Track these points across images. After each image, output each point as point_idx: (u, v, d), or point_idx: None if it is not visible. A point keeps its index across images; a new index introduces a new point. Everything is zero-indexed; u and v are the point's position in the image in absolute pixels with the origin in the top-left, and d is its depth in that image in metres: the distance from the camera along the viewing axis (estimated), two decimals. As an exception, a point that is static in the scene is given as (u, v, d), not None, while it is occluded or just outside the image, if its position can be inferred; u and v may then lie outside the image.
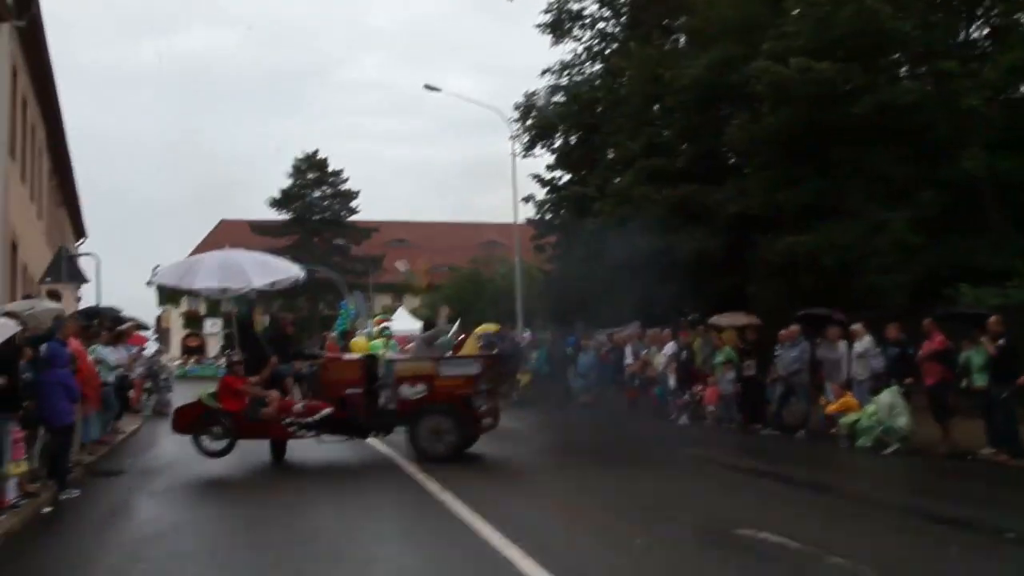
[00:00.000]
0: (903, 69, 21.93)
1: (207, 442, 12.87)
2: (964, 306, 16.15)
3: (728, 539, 7.87)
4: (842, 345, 16.15)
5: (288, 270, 14.40)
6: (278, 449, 13.79)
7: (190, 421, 13.07)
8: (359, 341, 24.45)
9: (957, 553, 7.39)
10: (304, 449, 13.67)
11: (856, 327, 16.05)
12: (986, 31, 21.35)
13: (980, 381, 13.51)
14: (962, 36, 21.38)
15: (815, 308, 17.70)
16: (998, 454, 12.99)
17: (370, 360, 14.52)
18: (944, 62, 19.13)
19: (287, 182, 66.48)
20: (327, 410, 12.81)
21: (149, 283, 13.79)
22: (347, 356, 16.15)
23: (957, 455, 13.37)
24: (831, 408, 15.48)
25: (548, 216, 33.83)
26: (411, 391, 13.10)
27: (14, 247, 20.17)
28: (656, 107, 27.71)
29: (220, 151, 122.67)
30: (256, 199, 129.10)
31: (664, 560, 7.14)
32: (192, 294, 14.75)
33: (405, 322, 37.87)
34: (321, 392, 13.50)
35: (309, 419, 12.81)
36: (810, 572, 6.77)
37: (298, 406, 12.98)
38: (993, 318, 13.60)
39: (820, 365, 16.69)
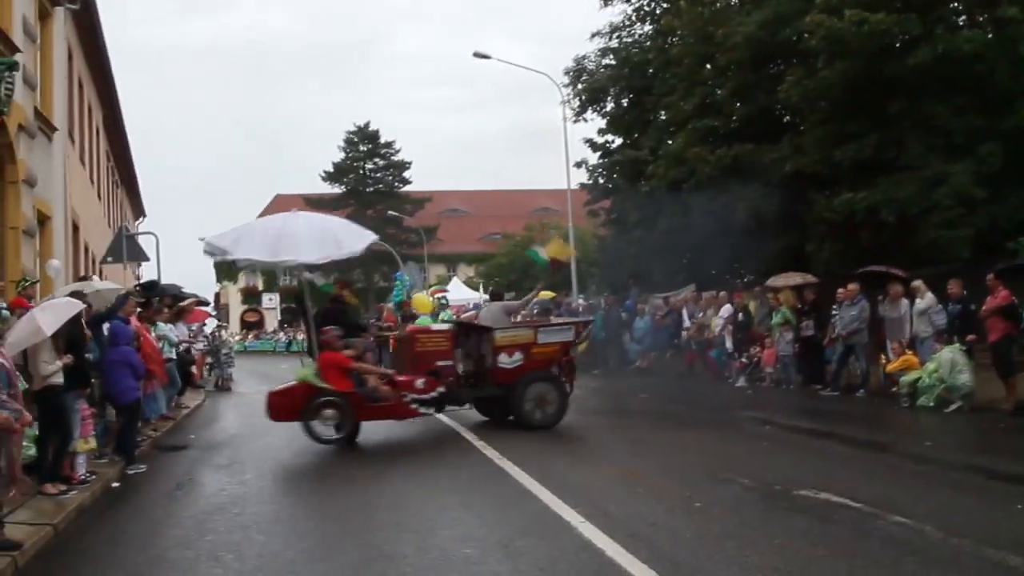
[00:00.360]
0: (962, 18, 21.42)
1: (320, 427, 11.87)
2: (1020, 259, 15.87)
3: (789, 500, 7.88)
4: (904, 303, 15.91)
5: (352, 244, 13.00)
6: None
7: (297, 406, 11.90)
8: (420, 298, 24.64)
9: (1021, 511, 7.32)
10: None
11: (918, 283, 15.81)
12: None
13: (1049, 333, 13.32)
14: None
15: (874, 266, 17.47)
16: (1066, 409, 12.81)
17: (459, 329, 14.42)
18: (1005, 8, 18.66)
19: (340, 155, 66.94)
20: (441, 387, 12.57)
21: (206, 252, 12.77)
22: (434, 325, 16.20)
23: (1022, 411, 13.17)
24: (892, 367, 15.31)
25: (601, 181, 33.65)
26: (509, 360, 13.10)
27: (75, 228, 20.60)
28: (708, 67, 27.32)
29: (273, 126, 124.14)
30: (310, 173, 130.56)
31: (725, 522, 7.15)
32: (244, 263, 13.79)
33: (461, 292, 38.12)
34: (408, 365, 13.30)
35: (430, 395, 12.42)
36: (873, 531, 6.75)
37: (419, 382, 12.41)
38: (1053, 269, 13.36)
39: (881, 324, 16.51)
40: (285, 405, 12.06)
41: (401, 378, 12.49)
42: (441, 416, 13.70)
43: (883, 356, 16.01)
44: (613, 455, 10.92)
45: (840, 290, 17.07)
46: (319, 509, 8.61)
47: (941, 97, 19.47)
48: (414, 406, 12.30)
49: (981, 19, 20.58)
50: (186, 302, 18.94)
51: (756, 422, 13.32)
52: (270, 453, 12.23)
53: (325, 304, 14.65)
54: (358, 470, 10.74)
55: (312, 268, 13.64)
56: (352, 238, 13.23)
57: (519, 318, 15.84)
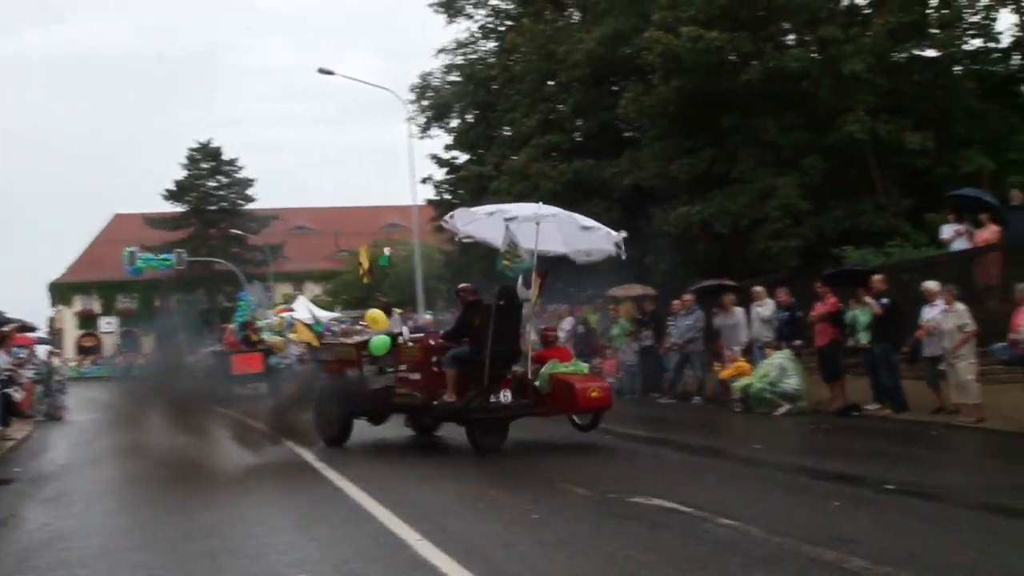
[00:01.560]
0: (790, 37, 22.46)
1: None
2: (851, 265, 16.69)
3: (623, 507, 8.02)
4: (738, 311, 16.52)
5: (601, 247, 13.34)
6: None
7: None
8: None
9: (838, 508, 7.66)
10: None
11: (758, 290, 16.43)
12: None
13: (865, 339, 14.00)
14: (846, 1, 21.97)
15: (706, 281, 18.10)
16: (882, 409, 13.51)
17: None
18: (827, 28, 19.63)
19: (182, 173, 65.20)
20: None
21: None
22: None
23: (845, 413, 13.82)
24: (725, 374, 15.85)
25: (447, 197, 33.81)
26: None
27: None
28: (551, 83, 27.87)
29: (111, 144, 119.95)
30: (151, 192, 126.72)
31: (559, 532, 7.23)
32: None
33: (306, 311, 37.54)
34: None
35: None
36: (701, 535, 6.93)
37: None
38: (877, 277, 14.10)
39: (718, 333, 17.07)
40: None
41: None
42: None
43: (717, 363, 16.55)
44: (453, 471, 10.91)
45: (674, 301, 17.58)
46: (149, 539, 8.27)
47: (771, 113, 20.35)
48: None
49: (807, 38, 21.62)
50: (7, 328, 18.01)
51: (596, 431, 13.53)
52: (101, 484, 11.75)
53: None
54: (193, 496, 10.38)
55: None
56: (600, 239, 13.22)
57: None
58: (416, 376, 12.19)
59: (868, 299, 13.85)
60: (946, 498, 7.92)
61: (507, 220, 12.30)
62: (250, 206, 66.18)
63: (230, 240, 61.48)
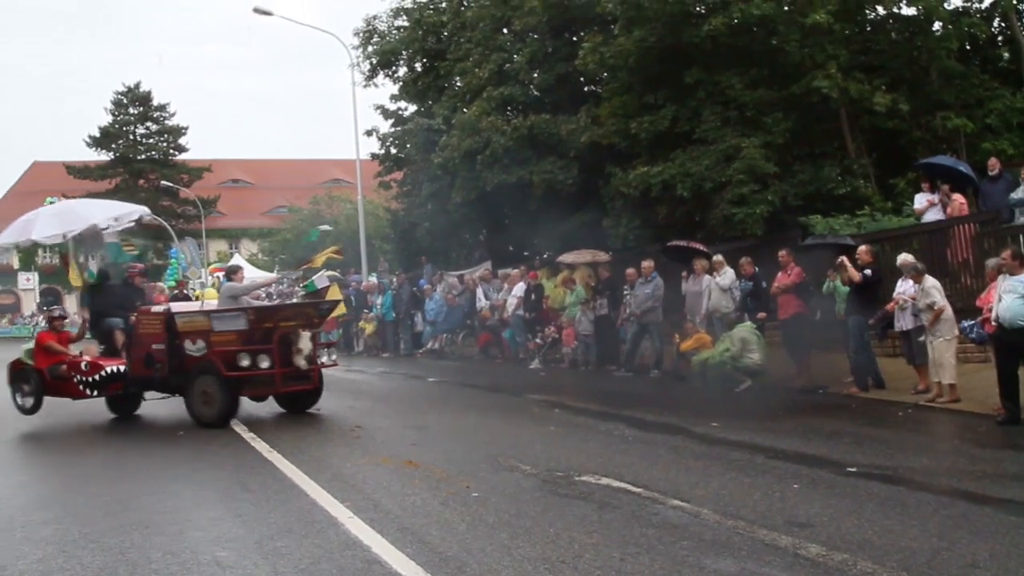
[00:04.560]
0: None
1: (19, 399, 13.71)
2: (826, 236, 16.75)
3: (570, 486, 8.03)
4: (706, 279, 16.51)
5: (131, 208, 14.90)
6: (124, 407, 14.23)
7: (11, 375, 13.91)
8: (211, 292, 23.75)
9: (796, 490, 7.71)
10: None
11: (718, 259, 16.47)
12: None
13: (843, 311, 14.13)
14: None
15: (676, 240, 18.08)
16: (850, 386, 13.63)
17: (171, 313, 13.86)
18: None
19: (107, 119, 64.04)
20: (111, 367, 13.27)
21: None
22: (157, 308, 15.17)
23: (811, 390, 13.95)
24: (684, 346, 15.91)
25: (393, 151, 33.50)
26: (194, 348, 12.86)
27: None
28: (506, 32, 27.60)
29: (30, 87, 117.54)
30: (73, 138, 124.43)
31: (501, 511, 7.21)
32: (37, 245, 15.64)
33: (245, 271, 37.18)
34: (134, 347, 13.52)
35: (92, 377, 13.19)
36: (650, 517, 6.94)
37: (83, 364, 13.33)
38: (863, 247, 14.15)
39: (682, 301, 17.06)
40: (9, 372, 13.95)
41: (72, 359, 13.44)
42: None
43: (676, 335, 16.59)
44: (393, 444, 10.86)
45: (629, 269, 17.56)
46: (59, 512, 8.16)
47: (735, 68, 20.29)
48: (81, 387, 13.22)
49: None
50: None
51: (546, 405, 13.58)
52: (11, 448, 11.63)
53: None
54: (111, 465, 10.32)
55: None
56: (127, 206, 15.05)
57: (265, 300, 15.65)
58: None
59: (848, 265, 13.78)
60: (909, 482, 8.00)
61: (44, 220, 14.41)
62: (182, 156, 65.24)
63: (160, 192, 60.55)
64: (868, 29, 21.92)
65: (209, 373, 12.53)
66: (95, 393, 13.42)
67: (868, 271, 13.67)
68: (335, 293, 14.19)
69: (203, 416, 12.50)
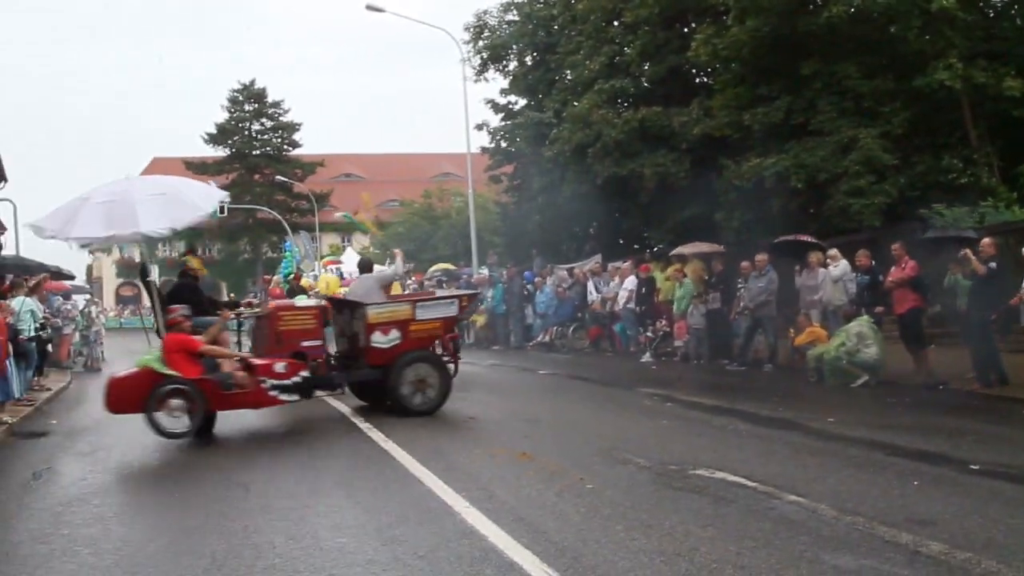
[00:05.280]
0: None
1: (165, 420, 10.92)
2: (947, 229, 16.38)
3: (684, 480, 8.03)
4: (821, 272, 16.28)
5: (196, 205, 12.07)
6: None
7: (139, 396, 10.95)
8: (330, 278, 24.20)
9: (916, 487, 7.59)
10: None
11: (833, 252, 16.24)
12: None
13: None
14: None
15: (785, 236, 17.87)
16: (972, 382, 13.30)
17: (325, 307, 13.79)
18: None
19: (224, 116, 65.69)
20: (304, 371, 11.73)
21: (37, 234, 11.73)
22: (299, 302, 15.08)
23: (931, 386, 13.65)
24: (799, 340, 15.71)
25: (503, 144, 33.73)
26: (385, 339, 12.40)
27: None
28: (616, 24, 27.56)
29: (151, 87, 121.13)
30: (191, 135, 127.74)
31: (616, 504, 7.25)
32: (78, 242, 12.73)
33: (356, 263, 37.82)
34: (271, 345, 12.62)
35: (291, 379, 11.54)
36: (767, 512, 6.91)
37: (279, 366, 11.53)
38: (987, 239, 13.79)
39: (798, 295, 16.85)
40: (125, 395, 11.12)
41: (259, 362, 11.69)
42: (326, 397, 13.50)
43: (791, 329, 16.39)
44: (506, 436, 10.96)
45: (744, 262, 17.41)
46: (185, 497, 8.47)
47: (854, 59, 19.93)
48: (274, 393, 11.45)
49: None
50: (38, 277, 17.96)
51: (658, 399, 13.55)
52: (138, 439, 11.96)
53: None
54: (231, 455, 10.63)
55: (153, 239, 12.46)
56: (198, 197, 12.38)
57: (407, 290, 15.67)
58: None
59: (972, 257, 13.47)
60: (1035, 481, 7.82)
61: (94, 212, 11.56)
62: (295, 152, 66.56)
63: (274, 187, 61.94)
64: (991, 15, 21.29)
65: (425, 361, 12.56)
66: (293, 398, 11.64)
67: (993, 264, 13.30)
68: (396, 289, 13.73)
69: (418, 406, 12.28)
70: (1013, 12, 21.03)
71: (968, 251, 13.55)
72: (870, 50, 20.11)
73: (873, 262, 15.40)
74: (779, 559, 5.77)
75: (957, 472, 8.19)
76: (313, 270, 34.87)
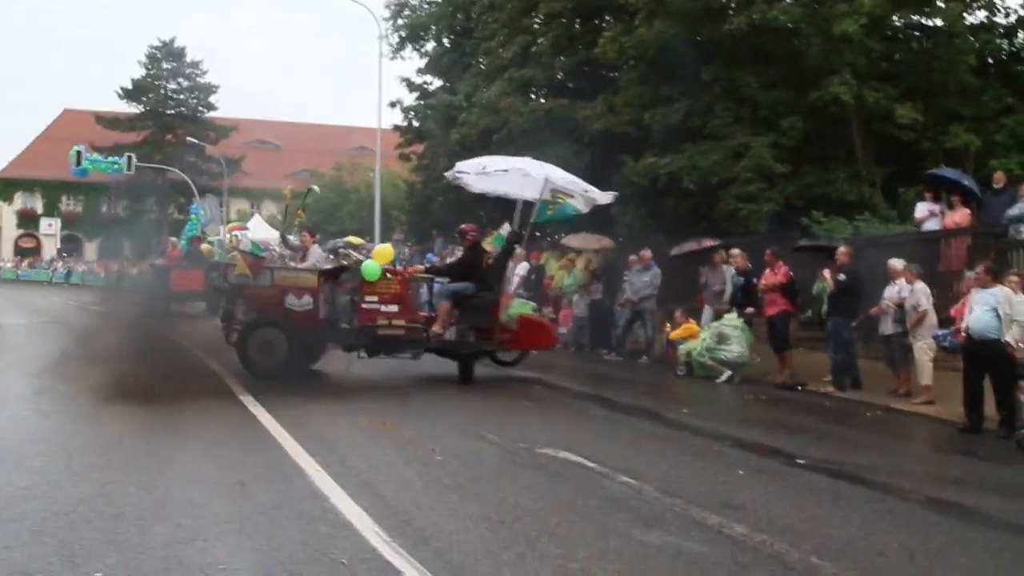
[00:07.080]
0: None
1: None
2: (820, 238, 17.12)
3: (528, 457, 8.47)
4: (726, 270, 16.86)
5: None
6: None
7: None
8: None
9: (740, 476, 8.14)
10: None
11: (735, 252, 16.87)
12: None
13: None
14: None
15: (686, 245, 18.56)
16: (827, 385, 14.04)
17: None
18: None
19: (140, 72, 64.61)
20: None
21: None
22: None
23: (789, 386, 14.33)
24: (674, 334, 16.31)
25: (416, 124, 33.91)
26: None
27: None
28: (533, 14, 27.91)
29: (63, 39, 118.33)
30: (105, 90, 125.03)
31: (457, 474, 7.66)
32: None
33: (262, 231, 37.67)
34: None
35: None
36: (596, 490, 7.38)
37: None
38: (842, 248, 14.53)
39: (702, 291, 17.42)
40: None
41: None
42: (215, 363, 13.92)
43: (668, 324, 16.99)
44: (375, 408, 11.27)
45: (631, 256, 17.98)
46: (50, 447, 8.65)
47: (753, 68, 20.59)
48: None
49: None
50: None
51: (528, 382, 14.00)
52: (11, 388, 12.07)
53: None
54: (103, 409, 10.76)
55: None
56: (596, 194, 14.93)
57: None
58: (393, 308, 13.41)
59: (826, 273, 14.30)
60: (851, 477, 8.39)
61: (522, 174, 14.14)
62: (211, 114, 65.72)
63: (186, 148, 61.05)
64: (889, 35, 22.08)
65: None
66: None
67: (842, 276, 14.04)
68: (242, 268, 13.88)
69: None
70: (910, 36, 21.83)
71: (825, 270, 14.32)
72: (770, 62, 20.79)
73: (750, 265, 16.07)
74: (593, 532, 6.24)
75: (783, 465, 8.79)
76: (218, 234, 34.70)
